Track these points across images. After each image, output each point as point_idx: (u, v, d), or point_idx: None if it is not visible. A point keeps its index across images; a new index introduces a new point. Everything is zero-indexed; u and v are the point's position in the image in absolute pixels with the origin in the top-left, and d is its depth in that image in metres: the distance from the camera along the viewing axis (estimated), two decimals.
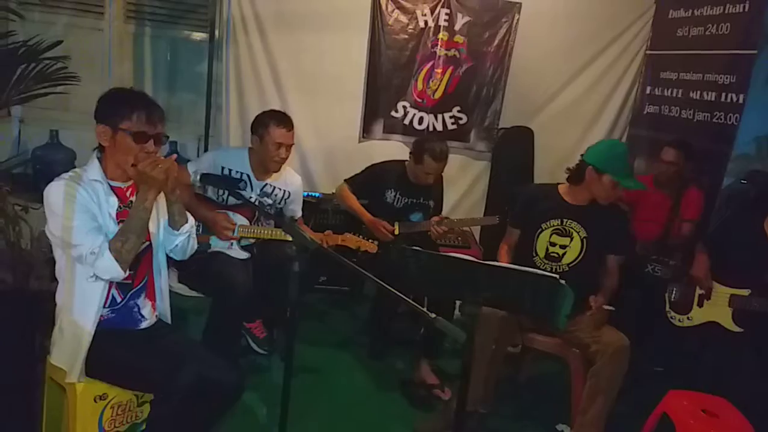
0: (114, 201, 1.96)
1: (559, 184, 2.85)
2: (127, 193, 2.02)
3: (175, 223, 2.08)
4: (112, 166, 1.97)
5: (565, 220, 2.75)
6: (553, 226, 2.76)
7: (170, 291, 3.37)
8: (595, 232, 2.73)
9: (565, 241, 2.76)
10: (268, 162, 2.94)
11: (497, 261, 2.89)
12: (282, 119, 2.94)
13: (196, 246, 2.22)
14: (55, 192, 1.86)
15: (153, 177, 1.87)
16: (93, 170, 1.95)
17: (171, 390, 1.86)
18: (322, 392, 2.98)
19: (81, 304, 1.93)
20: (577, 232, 2.74)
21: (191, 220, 2.14)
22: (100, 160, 1.97)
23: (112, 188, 1.98)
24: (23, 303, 2.18)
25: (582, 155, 2.74)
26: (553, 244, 2.77)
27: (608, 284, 2.75)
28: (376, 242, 3.07)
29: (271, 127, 2.89)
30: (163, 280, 2.17)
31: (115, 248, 1.87)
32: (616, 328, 2.63)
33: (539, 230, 2.78)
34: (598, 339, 2.57)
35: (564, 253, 2.76)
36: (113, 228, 1.93)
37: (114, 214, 1.95)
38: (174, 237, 2.10)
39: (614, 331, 2.61)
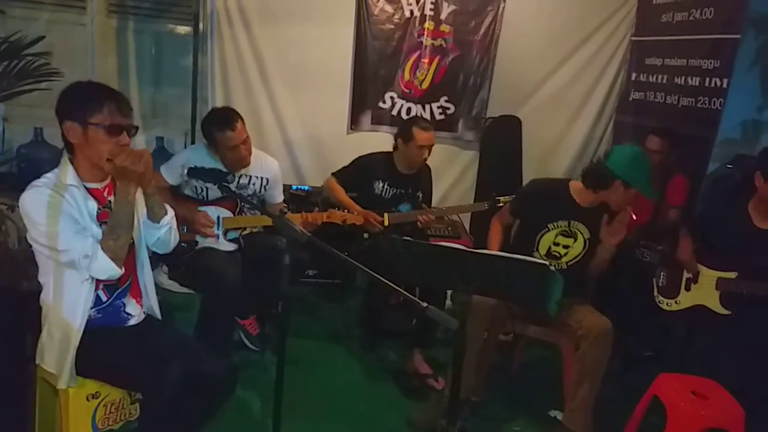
0: (93, 205, 1.91)
1: (570, 180, 2.79)
2: (105, 194, 1.98)
3: (155, 216, 2.05)
4: (86, 166, 1.91)
5: (572, 222, 2.72)
6: (561, 227, 2.73)
7: (162, 288, 3.40)
8: (598, 232, 2.70)
9: (569, 241, 2.74)
10: (234, 163, 2.90)
11: (487, 241, 2.91)
12: (224, 121, 2.81)
13: (178, 238, 2.18)
14: (30, 200, 1.81)
15: (132, 170, 1.83)
16: (67, 174, 1.88)
17: (160, 386, 1.85)
18: (315, 385, 2.98)
19: (68, 307, 1.90)
20: (582, 233, 2.73)
21: (171, 211, 2.11)
22: (71, 161, 1.91)
23: (89, 191, 1.92)
24: (12, 302, 2.16)
25: (605, 161, 2.61)
26: (556, 244, 2.75)
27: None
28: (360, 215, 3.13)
29: (217, 133, 2.81)
30: (147, 276, 2.14)
31: (108, 247, 1.84)
32: (605, 312, 2.66)
33: (545, 229, 2.74)
34: (581, 324, 2.60)
35: (566, 253, 2.75)
36: (96, 231, 1.89)
37: (95, 217, 1.91)
38: (155, 230, 2.07)
39: (596, 315, 2.63)
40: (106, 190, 1.99)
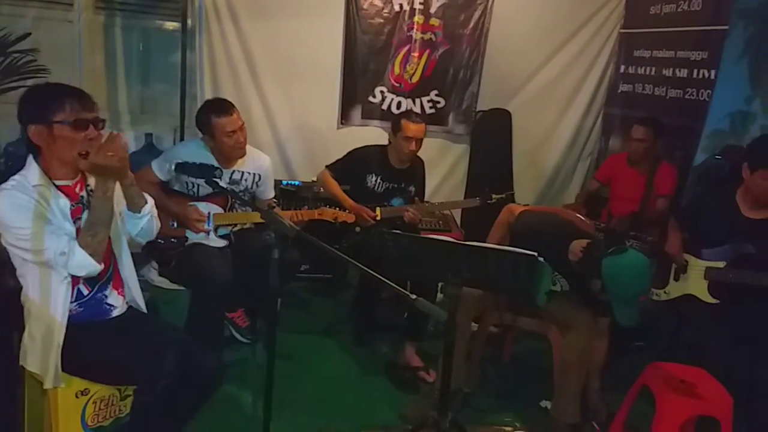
0: (65, 202, 1.89)
1: (575, 239, 2.54)
2: (76, 190, 1.95)
3: (135, 206, 2.03)
4: (56, 165, 1.88)
5: (556, 274, 2.69)
6: None
7: (152, 285, 3.40)
8: (581, 293, 2.67)
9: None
10: (230, 153, 2.89)
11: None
12: (221, 108, 2.85)
13: (159, 224, 2.16)
14: (0, 204, 1.78)
15: (110, 166, 1.81)
16: (34, 175, 1.85)
17: (153, 379, 1.85)
18: (307, 379, 2.99)
19: (48, 305, 1.88)
20: (562, 285, 2.71)
21: (150, 200, 2.10)
22: (38, 162, 1.88)
23: (60, 188, 1.90)
24: None
25: (607, 257, 2.33)
26: None
27: (596, 349, 2.68)
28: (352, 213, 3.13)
29: (214, 120, 2.81)
30: (128, 267, 2.12)
31: (86, 243, 1.84)
32: (593, 304, 2.66)
33: None
34: (566, 315, 2.60)
35: None
36: (70, 229, 1.87)
37: (69, 215, 1.89)
38: (137, 220, 2.05)
39: (577, 305, 2.65)
40: (78, 186, 1.96)
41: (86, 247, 1.83)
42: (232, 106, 2.89)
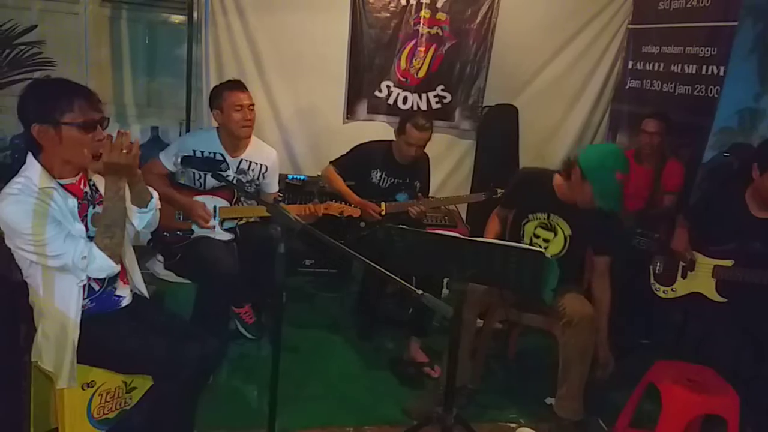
0: (73, 202, 1.86)
1: (556, 172, 2.73)
2: (81, 186, 1.93)
3: (142, 201, 2.02)
4: (59, 164, 1.83)
5: (551, 215, 2.70)
6: (539, 219, 2.72)
7: (158, 278, 3.40)
8: (581, 231, 2.68)
9: (549, 235, 2.72)
10: (236, 130, 2.91)
11: (484, 233, 2.90)
12: (234, 84, 2.97)
13: (158, 215, 2.15)
14: (12, 210, 1.72)
15: (124, 164, 1.79)
16: (40, 177, 1.79)
17: (170, 366, 1.87)
18: (312, 373, 2.99)
19: (60, 306, 1.87)
20: (562, 229, 2.71)
21: (155, 193, 2.10)
22: (40, 161, 1.82)
23: (66, 187, 1.86)
24: (5, 292, 2.16)
25: (579, 152, 2.57)
26: (536, 236, 2.74)
27: (598, 293, 2.68)
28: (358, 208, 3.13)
29: (226, 93, 2.90)
30: (130, 256, 2.13)
31: (104, 245, 1.83)
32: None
33: (525, 220, 2.75)
34: (566, 310, 2.60)
35: (546, 247, 2.72)
36: (80, 228, 1.86)
37: (77, 214, 1.87)
38: (144, 215, 2.05)
39: (579, 300, 2.63)
40: (81, 182, 1.94)
41: (105, 249, 1.83)
42: (246, 88, 2.99)
